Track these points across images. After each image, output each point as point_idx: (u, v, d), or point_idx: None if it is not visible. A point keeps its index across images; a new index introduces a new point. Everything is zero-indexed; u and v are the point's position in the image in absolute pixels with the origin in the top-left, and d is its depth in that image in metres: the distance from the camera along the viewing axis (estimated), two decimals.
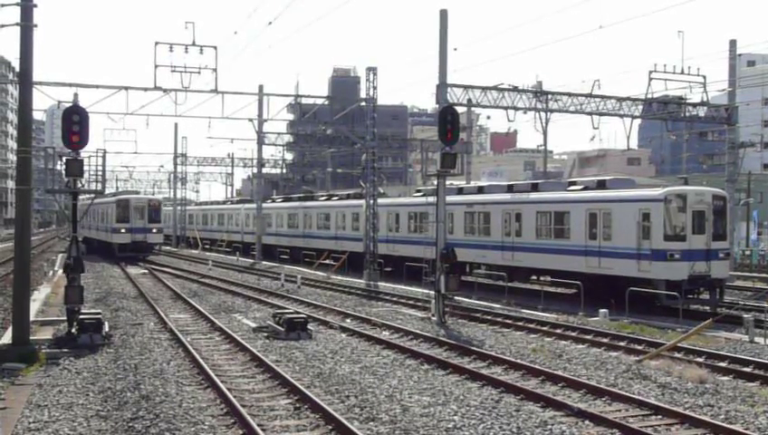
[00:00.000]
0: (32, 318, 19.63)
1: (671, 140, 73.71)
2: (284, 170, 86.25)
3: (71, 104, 20.63)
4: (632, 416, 12.39)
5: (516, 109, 34.64)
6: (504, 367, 16.25)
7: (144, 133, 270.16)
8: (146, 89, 35.13)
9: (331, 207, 48.22)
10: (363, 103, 41.10)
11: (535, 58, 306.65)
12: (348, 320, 23.86)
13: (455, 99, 32.34)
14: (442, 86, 31.49)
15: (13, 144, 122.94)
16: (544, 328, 21.73)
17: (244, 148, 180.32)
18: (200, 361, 16.11)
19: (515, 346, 18.78)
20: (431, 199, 27.69)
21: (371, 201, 38.86)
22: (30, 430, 11.31)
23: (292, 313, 21.73)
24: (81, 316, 18.76)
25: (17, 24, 17.03)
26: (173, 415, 11.98)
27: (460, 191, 35.94)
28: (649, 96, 36.07)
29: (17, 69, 18.61)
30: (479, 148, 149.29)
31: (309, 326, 20.59)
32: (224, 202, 78.96)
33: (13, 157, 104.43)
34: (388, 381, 14.75)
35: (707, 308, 25.90)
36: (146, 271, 43.09)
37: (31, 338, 17.64)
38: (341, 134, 56.21)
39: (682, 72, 35.89)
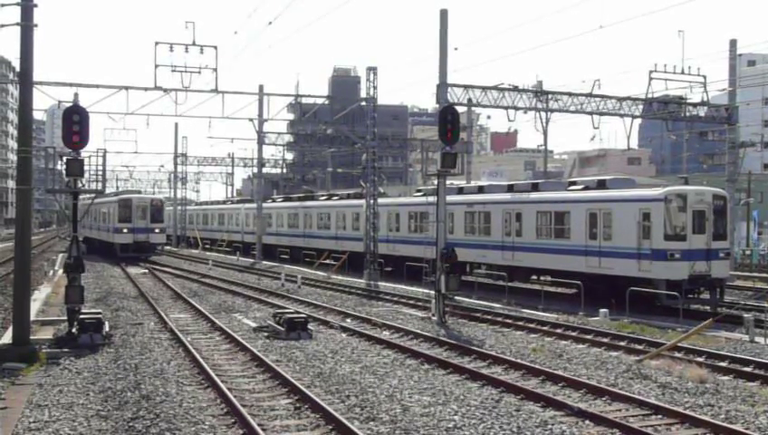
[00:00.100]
0: (32, 318, 19.63)
1: (671, 139, 73.78)
2: (285, 170, 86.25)
3: (71, 104, 20.63)
4: (632, 416, 12.38)
5: (516, 108, 34.68)
6: (504, 367, 16.25)
7: (144, 133, 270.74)
8: (146, 89, 35.17)
9: (332, 207, 48.22)
10: (363, 103, 41.14)
11: (535, 58, 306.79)
12: (348, 320, 23.86)
13: (455, 98, 32.36)
14: (442, 86, 31.51)
15: (13, 144, 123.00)
16: (545, 328, 21.72)
17: (244, 147, 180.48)
18: (200, 360, 16.11)
19: (515, 346, 18.78)
20: (431, 199, 27.70)
21: (372, 201, 38.87)
22: (30, 430, 11.31)
23: (292, 312, 21.73)
24: (82, 316, 18.76)
25: (17, 24, 17.03)
26: (173, 415, 11.98)
27: (460, 191, 35.94)
28: (650, 96, 36.10)
29: (18, 69, 18.61)
30: (479, 147, 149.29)
31: (309, 326, 20.59)
32: (224, 202, 78.93)
33: (13, 157, 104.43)
34: (389, 380, 14.75)
35: (708, 308, 25.90)
36: (146, 271, 43.10)
37: (31, 338, 17.64)
38: (342, 134, 56.23)
39: (682, 72, 35.92)
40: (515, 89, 34.67)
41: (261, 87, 48.98)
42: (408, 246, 38.10)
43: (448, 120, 23.18)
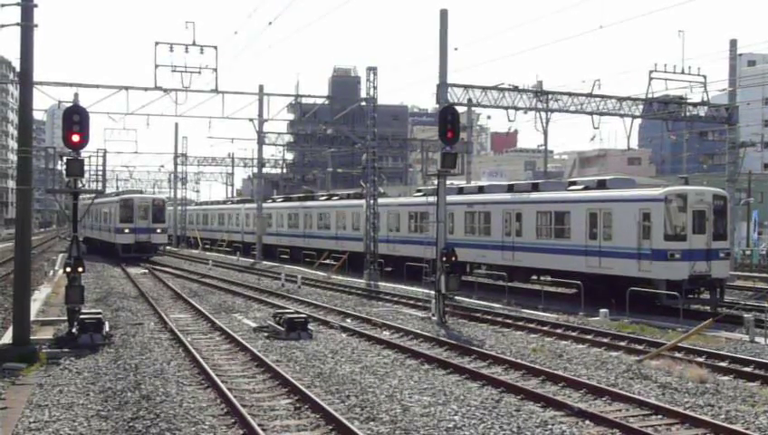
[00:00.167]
0: (32, 318, 19.63)
1: (671, 139, 73.79)
2: (285, 170, 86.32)
3: (71, 104, 20.68)
4: (632, 416, 12.38)
5: (517, 109, 34.69)
6: (504, 367, 16.25)
7: (144, 133, 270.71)
8: (146, 89, 35.17)
9: (332, 207, 48.22)
10: (363, 103, 41.14)
11: (536, 58, 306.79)
12: (348, 320, 23.86)
13: (455, 99, 32.37)
14: (442, 86, 31.51)
15: (13, 144, 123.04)
16: (545, 328, 21.72)
17: (244, 148, 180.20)
18: (200, 361, 16.11)
19: (516, 346, 18.78)
20: (431, 199, 27.72)
21: (372, 201, 38.87)
22: (30, 430, 11.31)
23: (292, 312, 21.73)
24: (82, 316, 18.76)
25: (18, 24, 17.03)
26: (173, 415, 11.98)
27: (460, 191, 35.94)
28: (650, 96, 36.12)
29: (18, 69, 18.61)
30: (479, 148, 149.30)
31: (309, 326, 20.59)
32: (224, 202, 78.93)
33: (13, 157, 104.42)
34: (389, 380, 14.75)
35: (708, 308, 25.91)
36: (146, 271, 43.10)
37: (31, 338, 17.64)
38: (342, 134, 56.24)
39: (682, 72, 35.93)
40: (515, 89, 34.68)
41: (261, 87, 49.00)
42: (408, 246, 38.10)
43: (448, 121, 23.18)
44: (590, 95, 35.54)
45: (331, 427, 11.49)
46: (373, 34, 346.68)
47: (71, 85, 34.17)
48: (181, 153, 77.76)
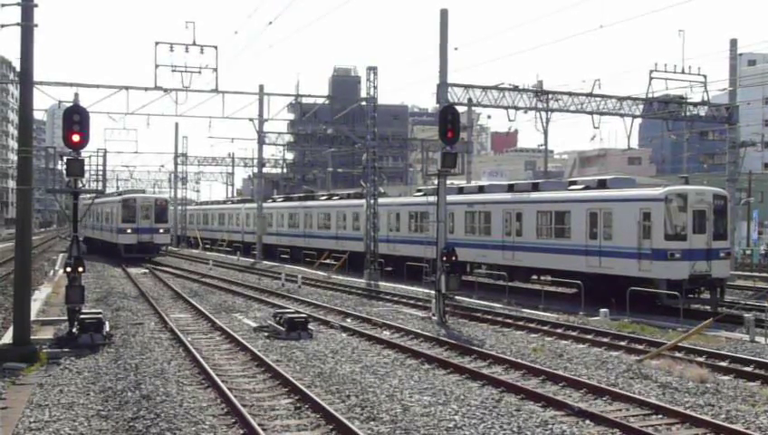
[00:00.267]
0: (33, 318, 19.63)
1: (672, 139, 73.73)
2: (285, 170, 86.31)
3: (71, 104, 20.67)
4: (633, 416, 12.38)
5: (517, 108, 34.68)
6: (504, 367, 16.25)
7: (145, 133, 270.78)
8: (146, 88, 35.20)
9: (332, 207, 48.22)
10: (364, 103, 41.15)
11: (536, 58, 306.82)
12: (348, 320, 23.86)
13: (455, 98, 32.37)
14: (442, 86, 31.51)
15: (14, 144, 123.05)
16: (545, 328, 21.72)
17: (244, 147, 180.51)
18: (201, 360, 16.11)
19: (516, 346, 18.78)
20: (432, 199, 27.71)
21: (372, 201, 38.87)
22: (31, 430, 11.31)
23: (292, 312, 21.73)
24: (82, 316, 18.76)
25: (18, 24, 17.03)
26: (174, 415, 11.98)
27: (461, 191, 35.94)
28: (650, 95, 36.11)
29: (18, 69, 18.60)
30: (480, 147, 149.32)
31: (309, 326, 20.59)
32: (224, 202, 78.94)
33: (14, 157, 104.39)
34: (389, 380, 14.75)
35: (708, 308, 25.89)
36: (146, 271, 43.10)
37: (32, 338, 17.63)
38: (342, 134, 56.27)
39: (683, 72, 35.92)
40: (516, 89, 34.68)
41: (261, 87, 49.03)
42: (408, 245, 38.10)
43: (449, 120, 23.17)
44: (590, 95, 35.54)
45: (331, 427, 11.49)
46: (373, 34, 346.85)
47: (71, 85, 34.20)
48: (181, 153, 77.76)
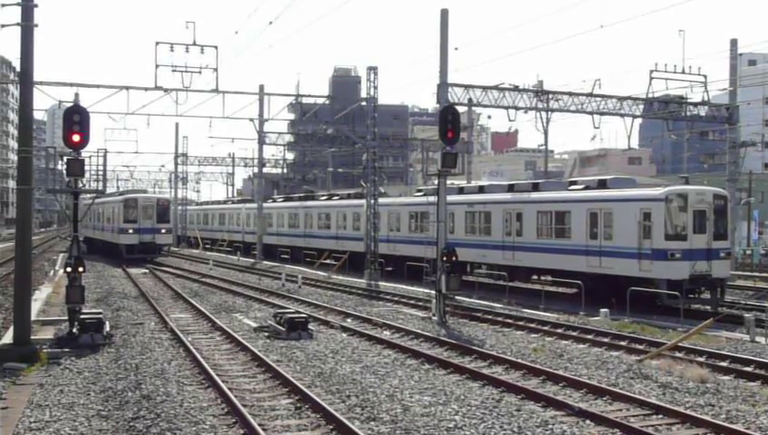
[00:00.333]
0: (33, 318, 19.63)
1: (672, 139, 73.71)
2: (285, 170, 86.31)
3: (71, 104, 20.67)
4: (633, 416, 12.38)
5: (517, 108, 34.67)
6: (504, 367, 16.25)
7: (145, 133, 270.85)
8: (147, 88, 35.21)
9: (332, 207, 48.22)
10: (364, 103, 41.13)
11: (536, 58, 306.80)
12: (349, 320, 23.86)
13: (455, 98, 32.36)
14: (443, 86, 31.49)
15: (14, 144, 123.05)
16: (545, 328, 21.71)
17: (244, 147, 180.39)
18: (201, 360, 16.11)
19: (516, 346, 18.77)
20: (432, 199, 27.72)
21: (372, 201, 38.88)
22: (31, 430, 11.31)
23: (293, 312, 21.73)
24: (83, 316, 18.76)
25: (18, 24, 17.03)
26: (174, 415, 11.98)
27: (461, 191, 35.94)
28: (650, 95, 36.10)
29: (18, 69, 18.60)
30: (480, 147, 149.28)
31: (310, 326, 20.59)
32: (225, 202, 78.93)
33: (14, 157, 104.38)
34: (389, 380, 14.75)
35: (708, 308, 25.89)
36: (146, 271, 43.09)
37: (32, 338, 17.63)
38: (342, 134, 56.23)
39: (683, 72, 35.92)
40: (516, 89, 34.68)
41: (261, 87, 49.01)
42: (408, 245, 38.10)
43: (449, 120, 23.17)
44: (590, 95, 35.53)
45: (331, 427, 11.49)
46: (373, 34, 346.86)
47: (71, 85, 34.22)
48: (182, 153, 77.76)
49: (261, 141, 53.14)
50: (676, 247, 24.87)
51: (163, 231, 51.98)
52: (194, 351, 17.27)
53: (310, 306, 26.89)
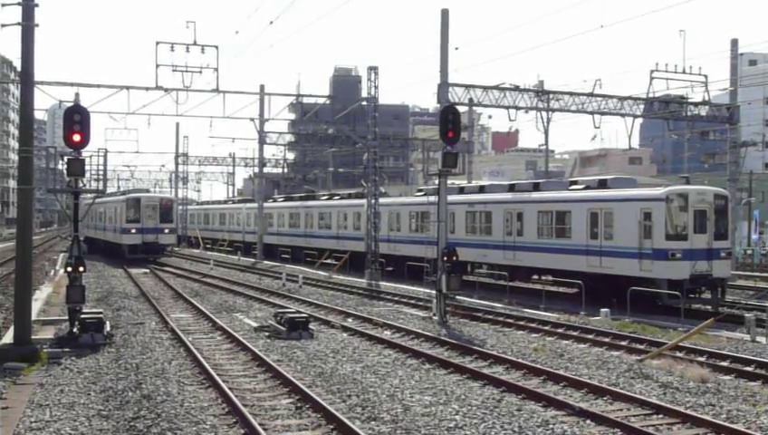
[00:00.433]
0: (33, 318, 19.63)
1: (672, 139, 73.68)
2: (286, 170, 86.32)
3: (72, 104, 20.68)
4: (634, 415, 12.38)
5: (518, 108, 34.66)
6: (505, 366, 16.25)
7: (145, 133, 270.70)
8: (147, 88, 35.24)
9: (333, 207, 48.22)
10: (364, 103, 41.13)
11: (537, 57, 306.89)
12: (349, 319, 23.86)
13: (456, 98, 32.35)
14: (443, 85, 31.48)
15: (14, 144, 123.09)
16: (546, 327, 21.72)
17: (245, 147, 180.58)
18: (202, 360, 16.11)
19: (517, 346, 18.77)
20: (432, 199, 27.71)
21: (373, 201, 38.88)
22: (31, 430, 11.31)
23: (293, 312, 21.74)
24: (83, 316, 18.77)
25: (19, 24, 17.03)
26: (174, 415, 11.98)
27: (461, 191, 35.93)
28: (651, 95, 36.09)
29: (19, 68, 18.61)
30: (480, 147, 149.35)
31: (310, 326, 20.59)
32: (225, 202, 78.94)
33: (14, 156, 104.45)
34: (390, 380, 14.75)
35: (709, 307, 25.88)
36: (147, 270, 43.10)
37: (32, 338, 17.62)
38: (343, 134, 56.26)
39: (683, 72, 35.91)
40: (516, 88, 34.67)
41: (262, 87, 49.05)
42: (409, 245, 38.10)
43: (449, 120, 23.18)
44: (591, 95, 35.52)
45: (332, 426, 11.48)
46: (374, 34, 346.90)
47: (72, 85, 34.27)
48: (182, 153, 77.79)
49: (261, 141, 53.18)
50: (676, 247, 24.86)
51: (166, 231, 51.23)
52: (194, 350, 17.28)
53: (310, 306, 26.89)
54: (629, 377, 15.20)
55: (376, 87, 38.81)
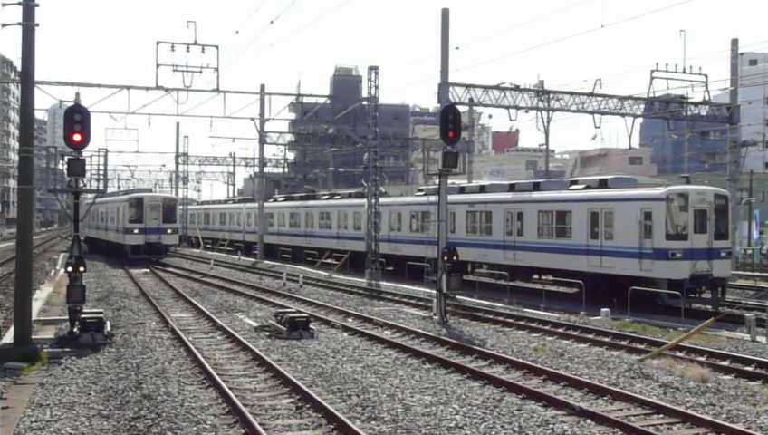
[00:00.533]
0: (34, 317, 19.64)
1: (673, 139, 73.62)
2: (286, 169, 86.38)
3: (72, 103, 20.68)
4: (634, 415, 12.38)
5: (518, 108, 34.65)
6: (505, 366, 16.25)
7: (146, 132, 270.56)
8: (147, 88, 35.23)
9: (333, 207, 48.23)
10: (365, 102, 41.14)
11: (537, 57, 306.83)
12: (350, 319, 23.86)
13: (456, 98, 32.35)
14: (444, 85, 31.48)
15: (15, 143, 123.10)
16: (546, 327, 21.71)
17: (245, 147, 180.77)
18: (202, 360, 16.11)
19: (517, 345, 18.77)
20: (433, 199, 27.73)
21: (373, 200, 38.88)
22: (32, 430, 11.31)
23: (293, 312, 21.73)
24: (83, 315, 18.77)
25: (19, 24, 17.04)
26: (175, 414, 11.98)
27: (462, 190, 35.93)
28: (651, 95, 36.08)
29: (19, 68, 18.61)
30: (481, 147, 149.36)
31: (311, 325, 20.59)
32: (225, 201, 78.94)
33: (15, 156, 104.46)
34: (390, 380, 14.75)
35: (709, 307, 25.88)
36: (147, 270, 43.10)
37: (33, 337, 17.63)
38: (343, 133, 56.25)
39: (684, 72, 35.90)
40: (517, 88, 34.66)
41: (262, 86, 49.02)
42: (409, 245, 38.11)
43: (450, 120, 23.17)
44: (591, 94, 35.52)
45: (332, 426, 11.48)
46: (375, 34, 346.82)
47: (72, 85, 34.27)
48: (182, 153, 77.80)
49: (262, 141, 53.18)
50: (676, 247, 24.86)
51: (169, 231, 50.63)
52: (195, 350, 17.28)
53: (311, 306, 26.89)
54: (630, 377, 15.20)
55: (376, 87, 38.83)
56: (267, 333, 20.50)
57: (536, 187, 32.14)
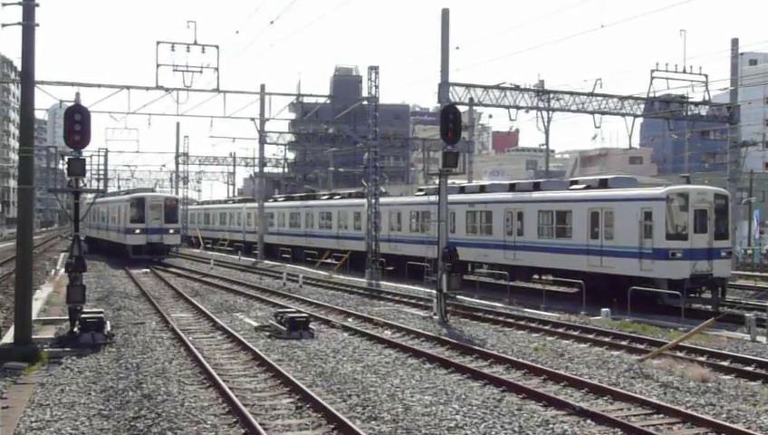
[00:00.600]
0: (34, 317, 19.65)
1: (673, 138, 73.62)
2: (286, 169, 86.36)
3: (72, 103, 20.66)
4: (634, 415, 12.38)
5: (518, 108, 34.64)
6: (505, 366, 16.25)
7: (146, 132, 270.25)
8: (148, 88, 35.22)
9: (333, 207, 48.23)
10: (365, 102, 41.14)
11: (537, 57, 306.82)
12: (350, 319, 23.86)
13: (456, 98, 32.34)
14: (444, 85, 31.47)
15: (15, 143, 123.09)
16: (546, 327, 21.71)
17: (245, 147, 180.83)
18: (202, 360, 16.12)
19: (517, 345, 18.77)
20: (433, 198, 27.72)
21: (373, 200, 38.88)
22: (32, 429, 11.31)
23: (293, 312, 21.74)
24: (84, 315, 18.78)
25: (19, 24, 17.04)
26: (175, 414, 11.98)
27: (462, 190, 35.93)
28: (651, 95, 36.06)
29: (19, 68, 18.61)
30: (481, 147, 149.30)
31: (311, 325, 20.60)
32: (226, 201, 78.94)
33: (15, 156, 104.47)
34: (390, 380, 14.75)
35: (709, 307, 25.88)
36: (147, 270, 43.10)
37: (33, 337, 17.63)
38: (343, 133, 56.24)
39: (684, 71, 35.89)
40: (517, 88, 34.65)
41: (262, 86, 48.99)
42: (409, 245, 38.11)
43: (450, 120, 23.17)
44: (591, 94, 35.51)
45: (332, 426, 11.49)
46: (375, 34, 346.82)
47: (72, 84, 34.25)
48: (183, 152, 77.79)
49: (262, 141, 53.16)
50: (677, 247, 24.86)
51: (171, 231, 50.40)
52: (195, 350, 17.28)
53: (311, 306, 26.89)
54: (630, 377, 15.20)
55: (376, 87, 38.82)
56: (267, 333, 20.50)
57: (536, 187, 32.14)
